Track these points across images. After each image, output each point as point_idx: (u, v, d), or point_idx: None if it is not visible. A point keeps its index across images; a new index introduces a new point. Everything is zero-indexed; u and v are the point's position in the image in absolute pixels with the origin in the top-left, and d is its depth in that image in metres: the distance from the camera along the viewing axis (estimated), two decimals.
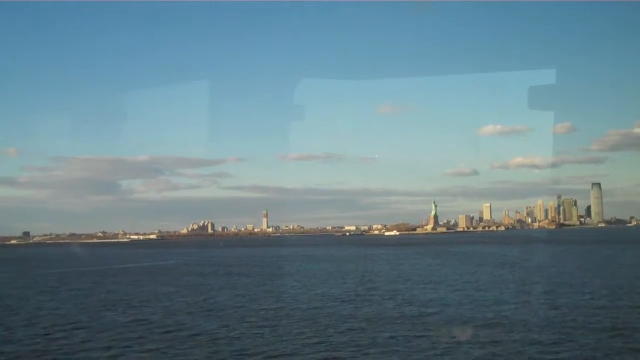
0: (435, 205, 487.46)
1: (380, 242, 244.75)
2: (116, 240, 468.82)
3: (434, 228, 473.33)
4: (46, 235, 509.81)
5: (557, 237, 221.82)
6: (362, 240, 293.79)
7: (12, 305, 46.29)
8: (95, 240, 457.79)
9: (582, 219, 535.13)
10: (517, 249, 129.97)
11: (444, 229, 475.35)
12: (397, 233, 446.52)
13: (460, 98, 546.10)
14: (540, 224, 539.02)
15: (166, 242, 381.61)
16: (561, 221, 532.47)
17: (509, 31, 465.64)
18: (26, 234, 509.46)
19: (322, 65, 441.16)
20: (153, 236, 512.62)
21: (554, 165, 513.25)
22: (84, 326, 34.55)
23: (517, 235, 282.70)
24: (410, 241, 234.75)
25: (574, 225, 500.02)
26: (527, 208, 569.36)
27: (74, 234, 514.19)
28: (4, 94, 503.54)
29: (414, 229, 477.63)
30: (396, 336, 29.19)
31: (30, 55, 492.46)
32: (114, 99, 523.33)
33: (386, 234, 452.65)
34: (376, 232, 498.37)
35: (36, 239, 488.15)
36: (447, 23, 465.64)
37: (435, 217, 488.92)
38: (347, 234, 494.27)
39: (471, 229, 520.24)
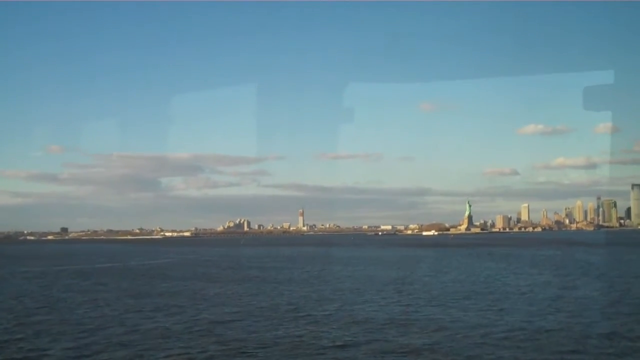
0: (470, 206, 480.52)
1: (420, 242, 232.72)
2: (149, 237, 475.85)
3: (467, 228, 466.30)
4: (83, 231, 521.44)
5: (608, 240, 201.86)
6: (399, 240, 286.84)
7: None
8: (129, 237, 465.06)
9: (622, 221, 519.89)
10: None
11: (477, 230, 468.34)
12: (436, 233, 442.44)
13: (500, 98, 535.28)
14: (578, 225, 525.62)
15: (192, 240, 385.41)
16: (600, 223, 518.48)
17: (550, 33, 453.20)
18: (64, 229, 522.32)
19: (366, 66, 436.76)
20: (187, 233, 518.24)
21: (594, 166, 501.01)
22: None
23: (559, 238, 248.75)
24: (461, 242, 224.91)
25: (613, 227, 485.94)
26: (566, 209, 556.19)
27: (111, 230, 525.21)
28: (51, 93, 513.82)
29: (448, 229, 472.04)
30: None
31: (77, 57, 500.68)
32: (159, 100, 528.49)
33: (424, 233, 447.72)
34: (409, 232, 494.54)
35: (72, 235, 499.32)
36: (488, 24, 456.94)
37: (470, 217, 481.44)
38: (380, 233, 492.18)
39: (507, 229, 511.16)
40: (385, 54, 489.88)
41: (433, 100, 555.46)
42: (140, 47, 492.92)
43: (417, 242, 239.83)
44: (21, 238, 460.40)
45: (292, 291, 53.17)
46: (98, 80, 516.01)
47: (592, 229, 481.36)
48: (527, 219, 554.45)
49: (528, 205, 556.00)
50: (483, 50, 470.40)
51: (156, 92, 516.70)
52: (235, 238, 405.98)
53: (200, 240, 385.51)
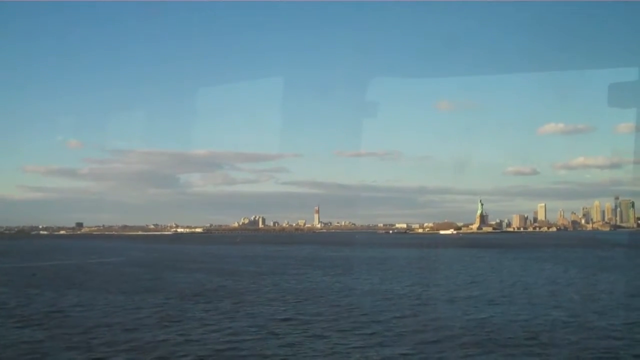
0: (482, 204, 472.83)
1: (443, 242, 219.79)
2: (161, 233, 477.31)
3: (479, 227, 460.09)
4: (98, 226, 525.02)
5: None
6: (400, 239, 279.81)
7: None
8: (140, 233, 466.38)
9: None
10: None
11: (489, 229, 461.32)
12: (454, 232, 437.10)
13: (520, 96, 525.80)
14: (594, 225, 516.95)
15: (198, 236, 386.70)
16: (617, 223, 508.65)
17: (571, 30, 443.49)
18: (79, 224, 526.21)
19: (388, 64, 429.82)
20: (199, 230, 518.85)
21: (615, 166, 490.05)
22: None
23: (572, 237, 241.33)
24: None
25: (630, 227, 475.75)
26: (583, 209, 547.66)
27: (126, 226, 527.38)
28: (70, 88, 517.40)
29: (459, 228, 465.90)
30: None
31: (98, 52, 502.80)
32: (180, 96, 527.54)
33: (441, 232, 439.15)
34: (420, 230, 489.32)
35: (85, 230, 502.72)
36: (508, 21, 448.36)
37: (482, 216, 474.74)
38: (391, 232, 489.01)
39: (522, 229, 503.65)
40: (405, 52, 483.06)
41: (452, 99, 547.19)
42: (163, 42, 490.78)
43: (409, 241, 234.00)
44: (34, 233, 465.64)
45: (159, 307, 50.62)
46: (118, 75, 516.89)
47: (607, 229, 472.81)
48: (543, 218, 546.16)
49: (545, 205, 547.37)
50: (502, 47, 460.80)
51: (177, 89, 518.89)
52: (243, 235, 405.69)
53: (206, 236, 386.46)
